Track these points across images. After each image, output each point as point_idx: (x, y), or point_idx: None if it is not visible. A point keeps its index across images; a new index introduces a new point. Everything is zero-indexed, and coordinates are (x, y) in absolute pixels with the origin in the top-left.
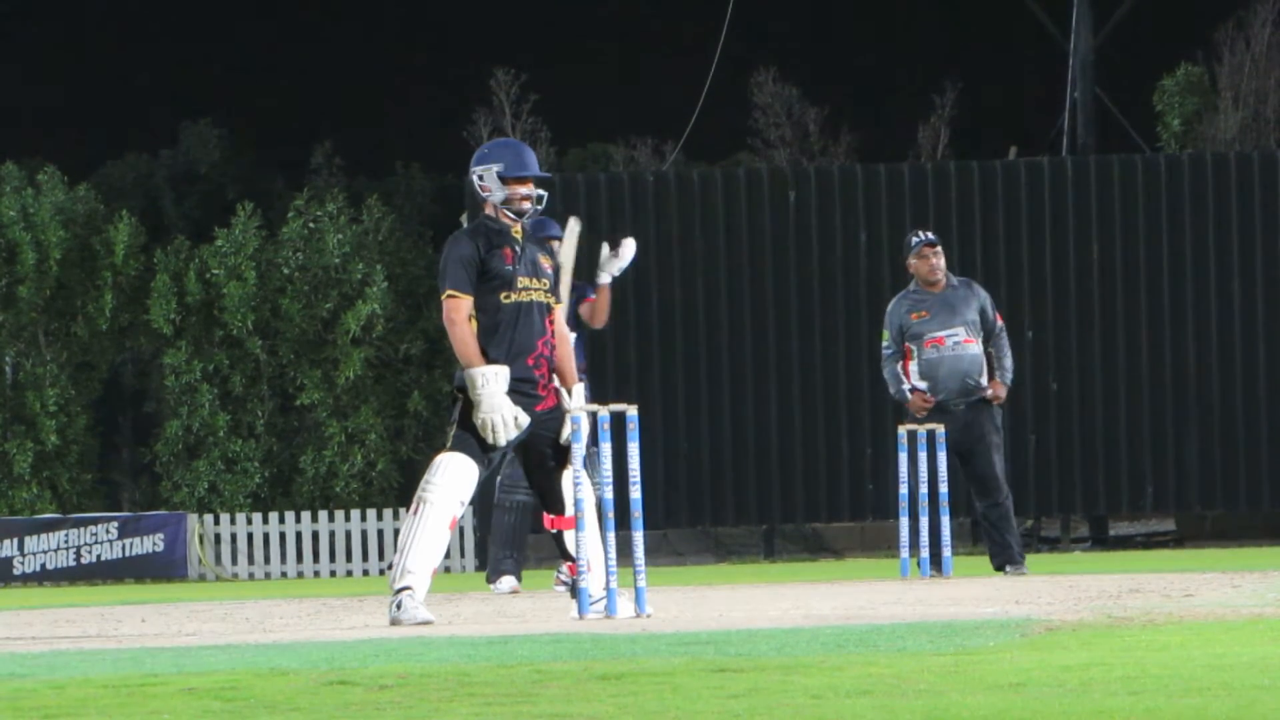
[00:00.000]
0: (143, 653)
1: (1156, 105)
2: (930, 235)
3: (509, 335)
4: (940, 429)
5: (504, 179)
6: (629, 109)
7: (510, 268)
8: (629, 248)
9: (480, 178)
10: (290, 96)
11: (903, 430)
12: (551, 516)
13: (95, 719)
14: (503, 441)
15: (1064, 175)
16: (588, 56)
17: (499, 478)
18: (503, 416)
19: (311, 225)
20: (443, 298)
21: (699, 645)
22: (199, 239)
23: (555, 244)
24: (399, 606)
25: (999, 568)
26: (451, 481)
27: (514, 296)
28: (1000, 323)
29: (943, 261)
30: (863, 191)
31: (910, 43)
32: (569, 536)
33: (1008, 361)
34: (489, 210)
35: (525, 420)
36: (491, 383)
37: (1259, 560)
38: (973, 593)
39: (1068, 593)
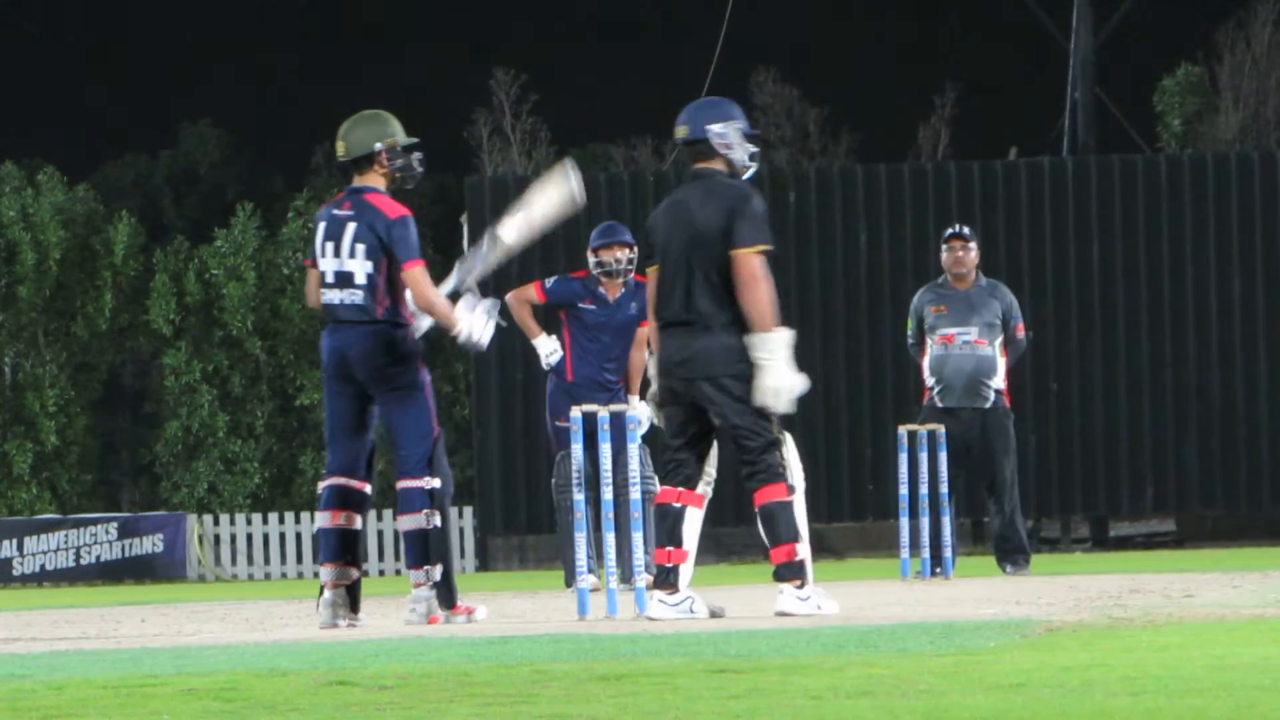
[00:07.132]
0: (143, 653)
1: (1156, 105)
2: (964, 229)
3: None
4: (940, 429)
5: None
6: (629, 109)
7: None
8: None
9: (722, 134)
10: (290, 97)
11: (903, 430)
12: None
13: (95, 719)
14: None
15: (1064, 175)
16: (587, 57)
17: (553, 479)
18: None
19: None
20: (751, 252)
21: (699, 645)
22: (199, 239)
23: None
24: (804, 600)
25: (1002, 567)
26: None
27: None
28: (1021, 335)
29: (972, 256)
30: (863, 191)
31: (910, 43)
32: (690, 514)
33: (1006, 364)
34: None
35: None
36: (785, 348)
37: (1259, 560)
38: (973, 593)
39: (1068, 593)
